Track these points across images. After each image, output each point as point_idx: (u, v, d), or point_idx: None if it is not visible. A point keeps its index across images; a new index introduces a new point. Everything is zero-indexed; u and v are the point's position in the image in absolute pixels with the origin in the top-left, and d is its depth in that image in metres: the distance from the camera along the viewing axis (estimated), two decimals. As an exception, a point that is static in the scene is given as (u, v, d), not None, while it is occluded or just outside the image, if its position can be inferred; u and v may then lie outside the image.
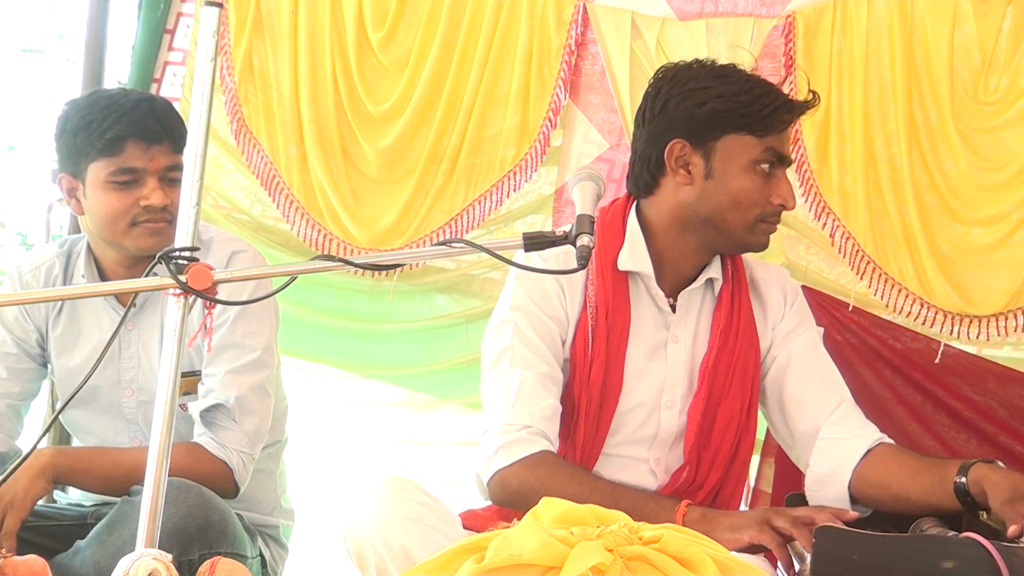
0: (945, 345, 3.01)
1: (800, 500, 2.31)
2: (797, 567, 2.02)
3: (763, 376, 2.44)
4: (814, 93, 2.38)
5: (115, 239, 2.47)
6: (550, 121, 3.22)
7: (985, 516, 2.10)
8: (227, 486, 2.42)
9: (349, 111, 3.30)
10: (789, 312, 2.46)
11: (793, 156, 3.04)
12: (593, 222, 1.75)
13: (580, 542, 1.55)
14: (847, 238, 3.05)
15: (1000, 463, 2.17)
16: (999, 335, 2.99)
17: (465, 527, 2.23)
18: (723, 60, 2.41)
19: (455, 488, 3.14)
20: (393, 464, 3.38)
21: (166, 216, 2.43)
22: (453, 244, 1.86)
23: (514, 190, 3.26)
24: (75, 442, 2.77)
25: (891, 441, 2.36)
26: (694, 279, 2.40)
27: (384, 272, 3.05)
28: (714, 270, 2.40)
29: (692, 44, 3.09)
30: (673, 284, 2.40)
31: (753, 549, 2.13)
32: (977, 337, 3.00)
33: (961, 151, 3.00)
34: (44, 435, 2.59)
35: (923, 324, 3.02)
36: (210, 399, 2.45)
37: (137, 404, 2.56)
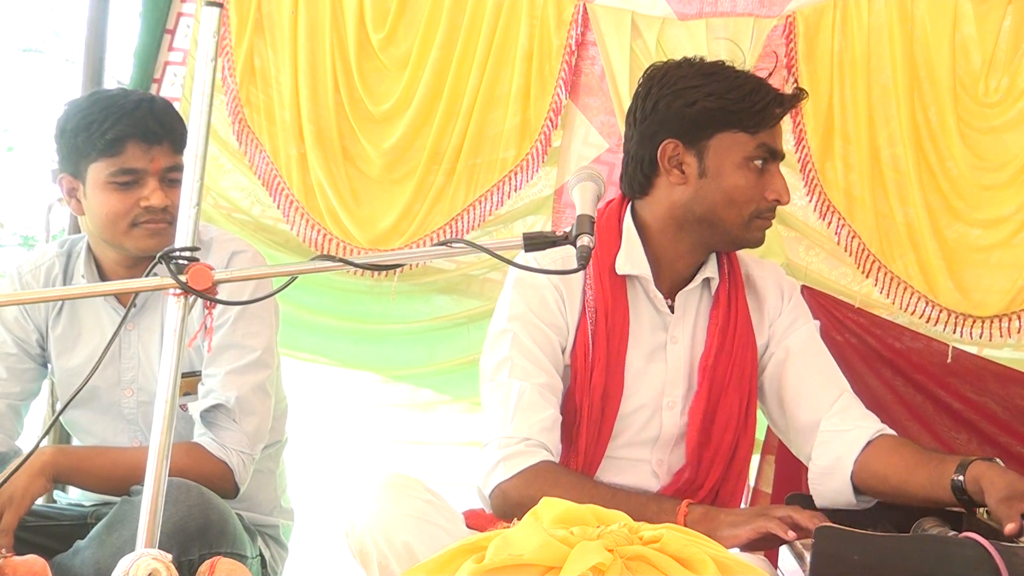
0: (952, 347, 3.01)
1: (801, 500, 2.31)
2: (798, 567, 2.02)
3: (761, 372, 2.44)
4: (801, 88, 2.38)
5: (115, 239, 2.47)
6: (551, 121, 3.22)
7: (985, 516, 2.11)
8: (227, 486, 2.42)
9: (350, 111, 3.30)
10: (786, 308, 2.46)
11: (797, 156, 3.05)
12: (593, 222, 1.75)
13: (580, 542, 1.55)
14: (852, 236, 3.05)
15: (999, 461, 2.18)
16: (1002, 336, 2.99)
17: (468, 526, 2.23)
18: (723, 61, 2.40)
19: (455, 488, 3.13)
20: (393, 464, 3.38)
21: (166, 216, 2.43)
22: (453, 244, 1.85)
23: (515, 190, 3.27)
24: (75, 442, 2.77)
25: (892, 432, 2.36)
26: (690, 278, 2.40)
27: (384, 272, 3.05)
28: (710, 269, 2.40)
29: (692, 44, 3.10)
30: (670, 284, 2.40)
31: (754, 546, 2.13)
32: (980, 337, 3.00)
33: (962, 151, 3.00)
34: (45, 435, 2.60)
35: (928, 323, 3.02)
36: (210, 399, 2.45)
37: (137, 404, 2.56)
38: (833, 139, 3.06)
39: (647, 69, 2.42)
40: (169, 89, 3.38)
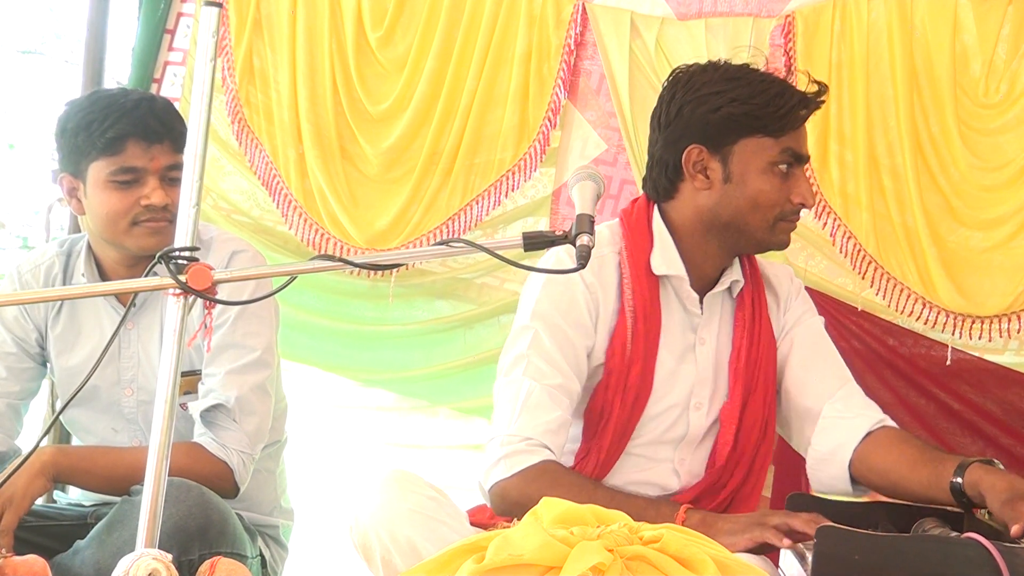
0: (951, 348, 3.01)
1: (802, 499, 2.31)
2: (799, 568, 2.02)
3: None
4: (821, 83, 2.37)
5: (116, 239, 2.47)
6: (549, 121, 3.22)
7: (986, 516, 2.11)
8: (227, 486, 2.42)
9: (348, 111, 3.30)
10: (795, 302, 2.49)
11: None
12: (593, 222, 1.75)
13: (580, 542, 1.55)
14: (848, 238, 3.05)
15: (997, 462, 2.18)
16: (1001, 336, 2.99)
17: (472, 523, 2.23)
18: (731, 62, 2.40)
19: (452, 491, 3.13)
20: (388, 467, 3.38)
21: (166, 216, 2.43)
22: (453, 244, 1.85)
23: (512, 190, 3.26)
24: (75, 441, 2.77)
25: (893, 424, 2.37)
26: (716, 280, 2.41)
27: (380, 273, 3.04)
28: (736, 272, 2.41)
29: (691, 44, 3.10)
30: (698, 286, 2.40)
31: (753, 551, 2.13)
32: (980, 338, 3.00)
33: (961, 152, 3.00)
34: (45, 435, 2.60)
35: (926, 325, 3.02)
36: (210, 399, 2.45)
37: (137, 404, 2.56)
38: (829, 140, 3.06)
39: (671, 72, 2.41)
40: (169, 89, 3.38)
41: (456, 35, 3.25)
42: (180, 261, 1.73)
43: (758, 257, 2.49)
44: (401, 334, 3.39)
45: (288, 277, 1.84)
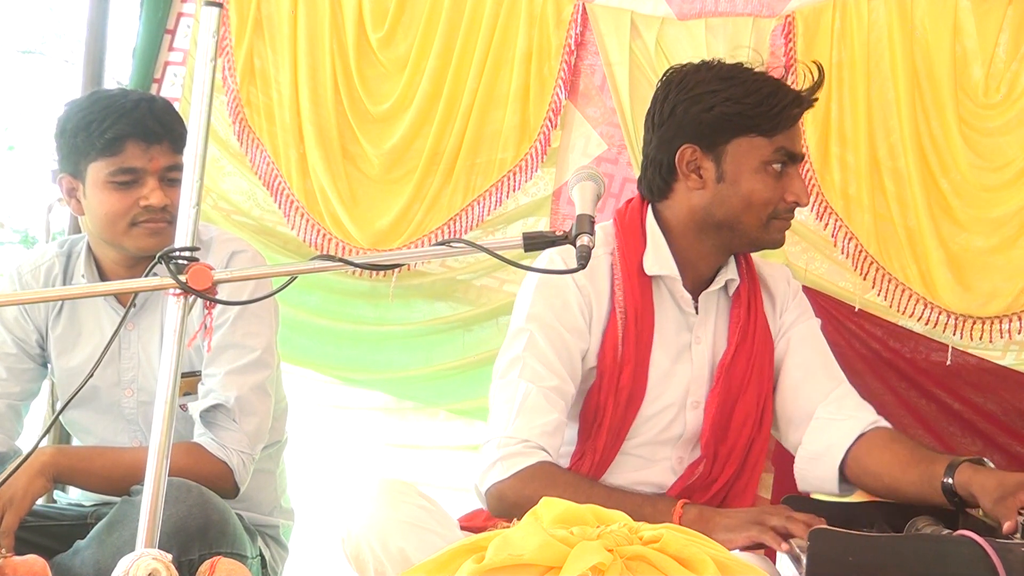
0: (952, 348, 3.01)
1: (796, 501, 2.31)
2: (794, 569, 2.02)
3: None
4: (820, 68, 2.37)
5: (115, 239, 2.47)
6: (550, 121, 3.22)
7: (980, 512, 2.11)
8: (227, 486, 2.42)
9: (349, 111, 3.30)
10: (792, 303, 2.50)
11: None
12: (593, 222, 1.75)
13: (580, 542, 1.55)
14: (850, 239, 3.05)
15: (988, 461, 2.19)
16: (1002, 337, 2.99)
17: (463, 528, 2.23)
18: (725, 61, 2.40)
19: (451, 493, 3.14)
20: (388, 468, 3.38)
21: (166, 216, 2.43)
22: (453, 244, 1.85)
23: (513, 190, 3.26)
24: (75, 442, 2.77)
25: (887, 425, 2.38)
26: (711, 279, 2.41)
27: (381, 273, 3.04)
28: (731, 271, 2.42)
29: (692, 44, 3.09)
30: (693, 285, 2.41)
31: (749, 547, 2.13)
32: (980, 339, 3.00)
33: (963, 152, 2.99)
34: (45, 435, 2.60)
35: (927, 326, 3.02)
36: (210, 399, 2.45)
37: (137, 404, 2.56)
38: (830, 140, 3.05)
39: (665, 72, 2.42)
40: (169, 89, 3.37)
41: (457, 35, 3.25)
42: (180, 261, 1.73)
43: (756, 258, 2.49)
44: (400, 335, 3.38)
45: (288, 277, 1.84)
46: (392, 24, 3.29)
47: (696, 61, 2.42)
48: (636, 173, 3.12)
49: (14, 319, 2.58)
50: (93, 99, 2.49)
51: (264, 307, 2.53)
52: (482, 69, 3.24)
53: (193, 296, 1.72)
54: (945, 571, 1.83)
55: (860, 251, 3.05)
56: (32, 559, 1.84)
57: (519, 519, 1.70)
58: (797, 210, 2.40)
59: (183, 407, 2.48)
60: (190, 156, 1.77)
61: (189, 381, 2.49)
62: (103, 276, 2.55)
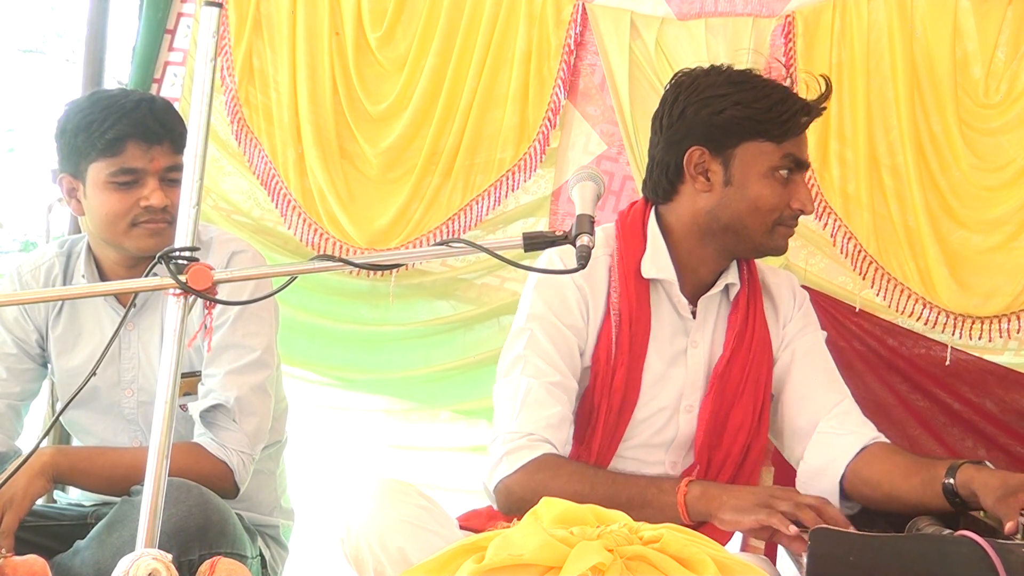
0: (951, 348, 3.01)
1: None
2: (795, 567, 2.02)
3: None
4: (827, 81, 2.38)
5: (115, 239, 2.47)
6: (549, 121, 3.22)
7: (981, 513, 2.11)
8: (227, 486, 2.42)
9: (348, 111, 3.30)
10: (797, 314, 2.49)
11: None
12: (593, 222, 1.75)
13: (580, 542, 1.55)
14: (849, 238, 3.05)
15: (988, 463, 2.18)
16: (1001, 337, 2.99)
17: (463, 528, 2.23)
18: (723, 61, 2.41)
19: (451, 493, 3.14)
20: (389, 469, 3.38)
21: (166, 216, 2.43)
22: (453, 244, 1.85)
23: (512, 190, 3.26)
24: (75, 442, 2.77)
25: (887, 440, 2.37)
26: (712, 284, 2.41)
27: (380, 273, 3.04)
28: (732, 275, 2.42)
29: (691, 44, 3.09)
30: (692, 290, 2.41)
31: (755, 532, 2.13)
32: (979, 339, 3.00)
33: (963, 152, 2.99)
34: (45, 435, 2.60)
35: (926, 325, 3.02)
36: (210, 399, 2.45)
37: (137, 404, 2.56)
38: (830, 139, 3.06)
39: (675, 75, 2.42)
40: (169, 89, 3.37)
41: (456, 35, 3.25)
42: (180, 261, 1.73)
43: (760, 264, 2.49)
44: (401, 335, 3.39)
45: (288, 277, 1.84)
46: (391, 23, 3.29)
47: (702, 63, 2.42)
48: (634, 174, 3.13)
49: (14, 319, 2.58)
50: (93, 99, 2.49)
51: (264, 307, 2.53)
52: (481, 68, 3.24)
53: (193, 296, 1.72)
54: (945, 571, 1.82)
55: (859, 251, 3.05)
56: (32, 559, 1.84)
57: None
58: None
59: (183, 407, 2.48)
60: (190, 156, 1.77)
61: (189, 381, 2.49)
62: (103, 276, 2.55)
